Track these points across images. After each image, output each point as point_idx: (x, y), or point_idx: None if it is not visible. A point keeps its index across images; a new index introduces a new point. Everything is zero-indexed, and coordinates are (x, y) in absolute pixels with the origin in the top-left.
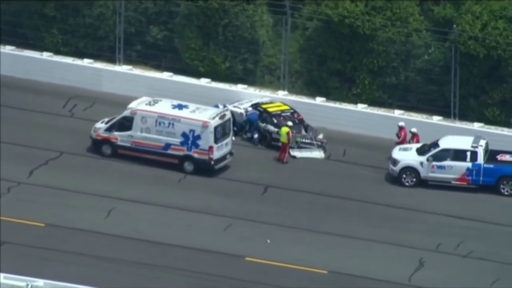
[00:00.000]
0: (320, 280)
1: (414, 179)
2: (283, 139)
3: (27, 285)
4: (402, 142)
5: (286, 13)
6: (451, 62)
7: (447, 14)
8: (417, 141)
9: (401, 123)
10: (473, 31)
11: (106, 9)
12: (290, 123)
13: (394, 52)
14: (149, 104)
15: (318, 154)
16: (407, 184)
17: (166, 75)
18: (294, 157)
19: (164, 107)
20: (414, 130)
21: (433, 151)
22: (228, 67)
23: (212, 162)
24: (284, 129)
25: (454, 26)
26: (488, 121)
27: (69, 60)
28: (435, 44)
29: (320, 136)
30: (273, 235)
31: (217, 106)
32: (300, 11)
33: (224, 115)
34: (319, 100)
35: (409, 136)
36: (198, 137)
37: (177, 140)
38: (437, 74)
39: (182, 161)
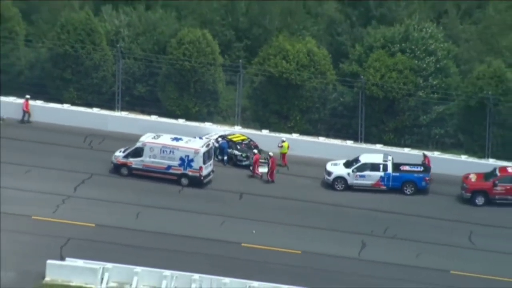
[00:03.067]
0: (296, 257)
1: (343, 185)
2: (285, 150)
3: (100, 267)
4: (272, 170)
5: (240, 71)
6: (358, 102)
7: (354, 69)
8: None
9: (271, 153)
10: (375, 79)
11: (107, 72)
12: (284, 138)
13: (317, 96)
14: (154, 138)
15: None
16: (338, 189)
17: (153, 118)
18: None
19: (165, 139)
20: (270, 153)
21: (356, 165)
22: (197, 110)
23: (202, 178)
24: (286, 143)
25: (362, 76)
26: (385, 143)
27: (82, 109)
28: (345, 90)
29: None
30: (256, 228)
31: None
32: (247, 69)
33: (209, 144)
34: (264, 132)
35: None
36: (192, 160)
37: (176, 162)
38: (348, 111)
39: (179, 177)
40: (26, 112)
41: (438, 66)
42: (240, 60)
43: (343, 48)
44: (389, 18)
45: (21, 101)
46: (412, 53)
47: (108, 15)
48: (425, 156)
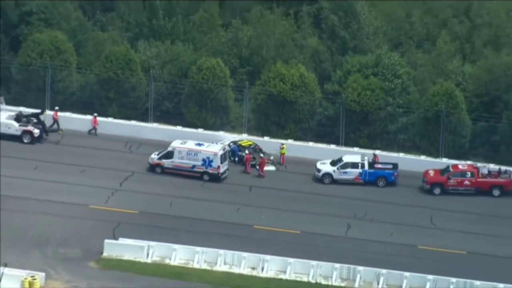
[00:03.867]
0: (296, 236)
1: (330, 180)
2: (283, 151)
3: (146, 245)
4: (261, 167)
5: (246, 91)
6: (339, 115)
7: (335, 89)
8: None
9: (261, 154)
10: (353, 97)
11: (142, 92)
12: (283, 142)
13: (307, 110)
14: (182, 143)
15: (272, 167)
16: (326, 182)
17: (178, 128)
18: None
19: (191, 145)
20: (261, 155)
21: (340, 164)
22: (212, 122)
23: (219, 175)
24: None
25: (342, 94)
26: (361, 146)
27: (122, 121)
28: (329, 105)
29: (271, 158)
30: (265, 213)
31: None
32: (251, 89)
33: (225, 148)
34: (266, 138)
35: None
36: (211, 161)
37: (199, 163)
38: (331, 122)
39: (202, 174)
40: (94, 126)
41: (403, 86)
42: (246, 82)
43: (326, 72)
44: (360, 48)
45: (77, 116)
46: (383, 76)
47: (142, 48)
48: (375, 155)
